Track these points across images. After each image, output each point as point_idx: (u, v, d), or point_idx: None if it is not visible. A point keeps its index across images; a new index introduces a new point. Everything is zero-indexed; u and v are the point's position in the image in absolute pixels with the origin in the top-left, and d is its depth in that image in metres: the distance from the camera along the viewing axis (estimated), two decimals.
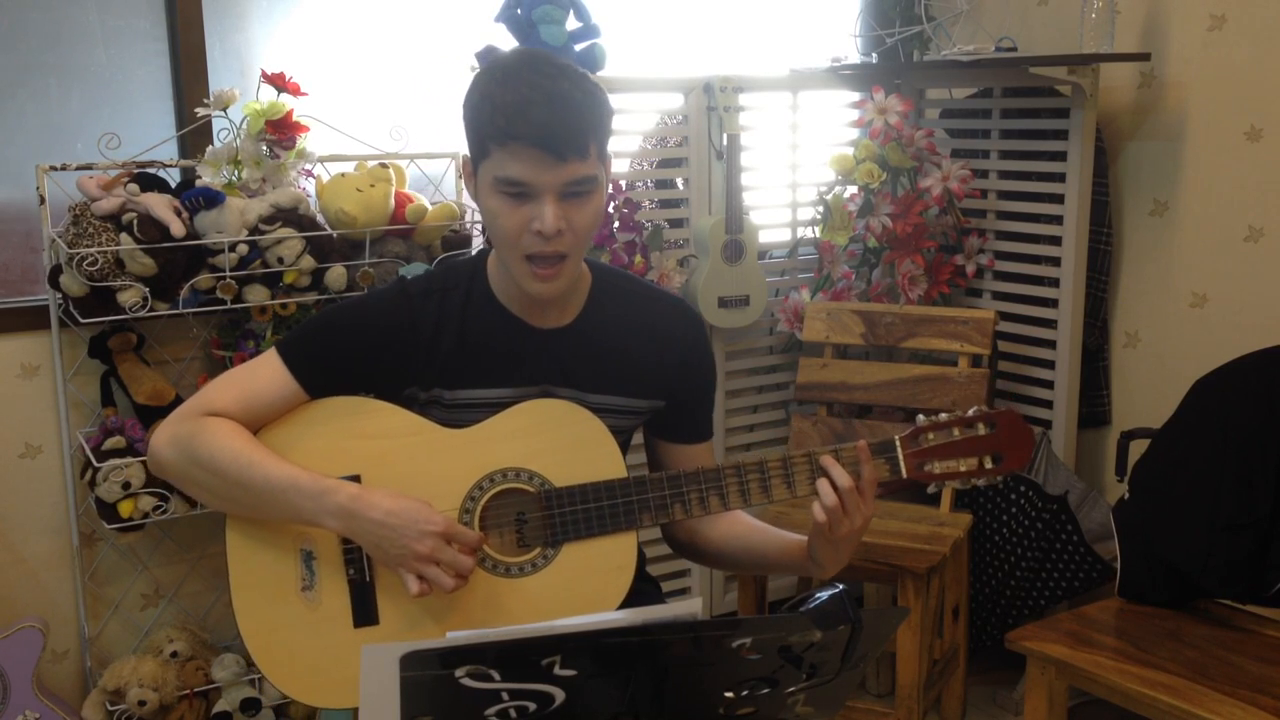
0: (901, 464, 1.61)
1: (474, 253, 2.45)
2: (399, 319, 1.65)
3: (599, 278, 1.73)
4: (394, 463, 1.61)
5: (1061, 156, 2.94)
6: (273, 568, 1.61)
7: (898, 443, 1.62)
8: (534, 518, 1.61)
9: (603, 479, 1.60)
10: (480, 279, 1.69)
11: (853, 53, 3.25)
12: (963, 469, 1.63)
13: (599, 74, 2.70)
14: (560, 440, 1.62)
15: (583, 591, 1.59)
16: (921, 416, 1.65)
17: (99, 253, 2.21)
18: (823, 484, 1.56)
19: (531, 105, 1.48)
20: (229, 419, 1.61)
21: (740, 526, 1.75)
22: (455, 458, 1.62)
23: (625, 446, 1.75)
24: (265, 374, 1.63)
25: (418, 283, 1.69)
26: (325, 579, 1.60)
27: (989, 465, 1.63)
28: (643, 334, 1.72)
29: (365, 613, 1.60)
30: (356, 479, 1.60)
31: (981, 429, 1.63)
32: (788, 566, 1.69)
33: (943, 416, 1.64)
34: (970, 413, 1.64)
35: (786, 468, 1.60)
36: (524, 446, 1.62)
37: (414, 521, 1.51)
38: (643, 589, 1.82)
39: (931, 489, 1.66)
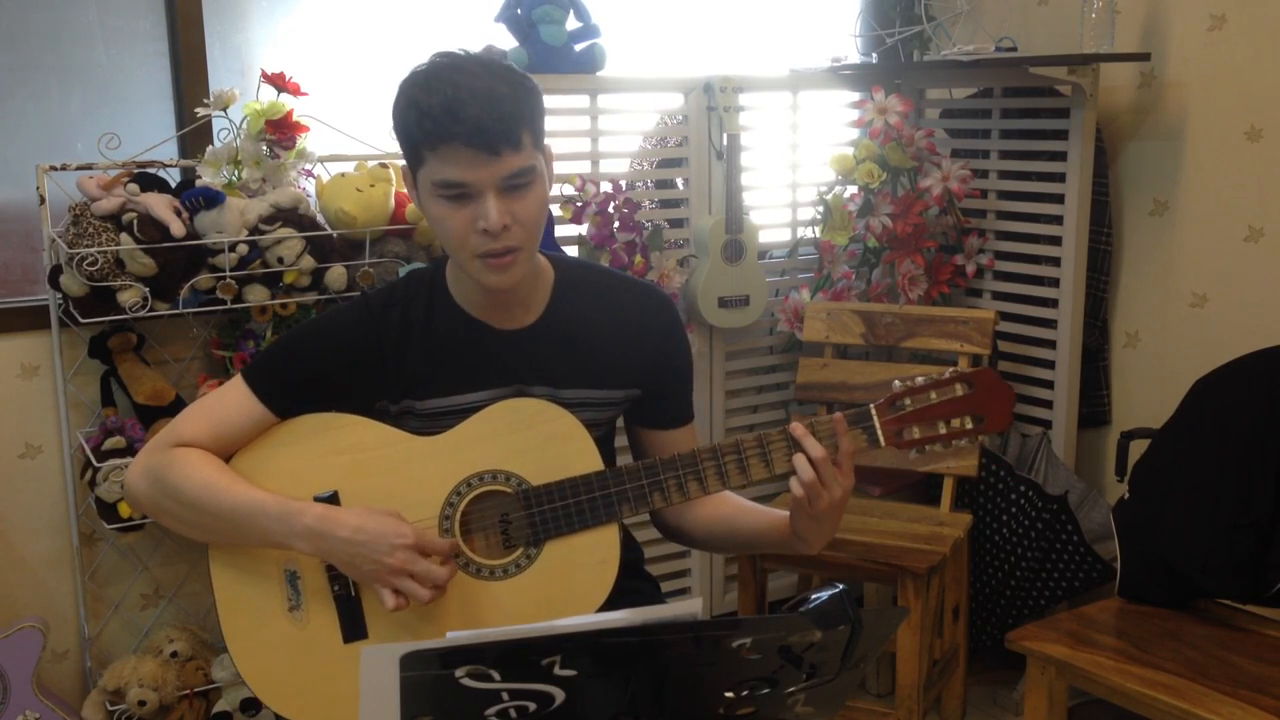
0: (879, 432, 1.58)
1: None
2: (362, 334, 1.64)
3: (562, 272, 1.71)
4: (370, 476, 1.61)
5: (1061, 156, 2.94)
6: (258, 590, 1.61)
7: (873, 411, 1.58)
8: (517, 518, 1.61)
9: (579, 474, 1.60)
10: (440, 286, 1.68)
11: (853, 53, 3.25)
12: (942, 432, 1.58)
13: (601, 73, 2.71)
14: (534, 439, 1.61)
15: (568, 588, 1.59)
16: (898, 381, 1.60)
17: (99, 253, 2.21)
18: (798, 458, 1.54)
19: (458, 104, 1.47)
20: (199, 448, 1.61)
21: (726, 508, 1.74)
22: (431, 465, 1.61)
23: (608, 438, 1.75)
24: (232, 400, 1.63)
25: (378, 296, 1.68)
26: (311, 598, 1.60)
27: (969, 426, 1.59)
28: (611, 324, 1.70)
29: (354, 628, 1.60)
30: (334, 496, 1.60)
31: (959, 389, 1.58)
32: (774, 544, 1.67)
33: (919, 380, 1.59)
34: (947, 374, 1.60)
35: (762, 445, 1.58)
36: (498, 448, 1.61)
37: (383, 536, 1.51)
38: (643, 589, 1.82)
39: (913, 455, 1.61)
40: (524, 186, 1.53)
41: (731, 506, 1.74)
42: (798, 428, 1.56)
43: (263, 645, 1.60)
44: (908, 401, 1.59)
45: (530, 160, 1.53)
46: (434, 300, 1.67)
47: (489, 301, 1.65)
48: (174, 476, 1.59)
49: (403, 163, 1.60)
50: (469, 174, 1.50)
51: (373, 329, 1.64)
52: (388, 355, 1.64)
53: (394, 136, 1.57)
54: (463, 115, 1.47)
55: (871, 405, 1.59)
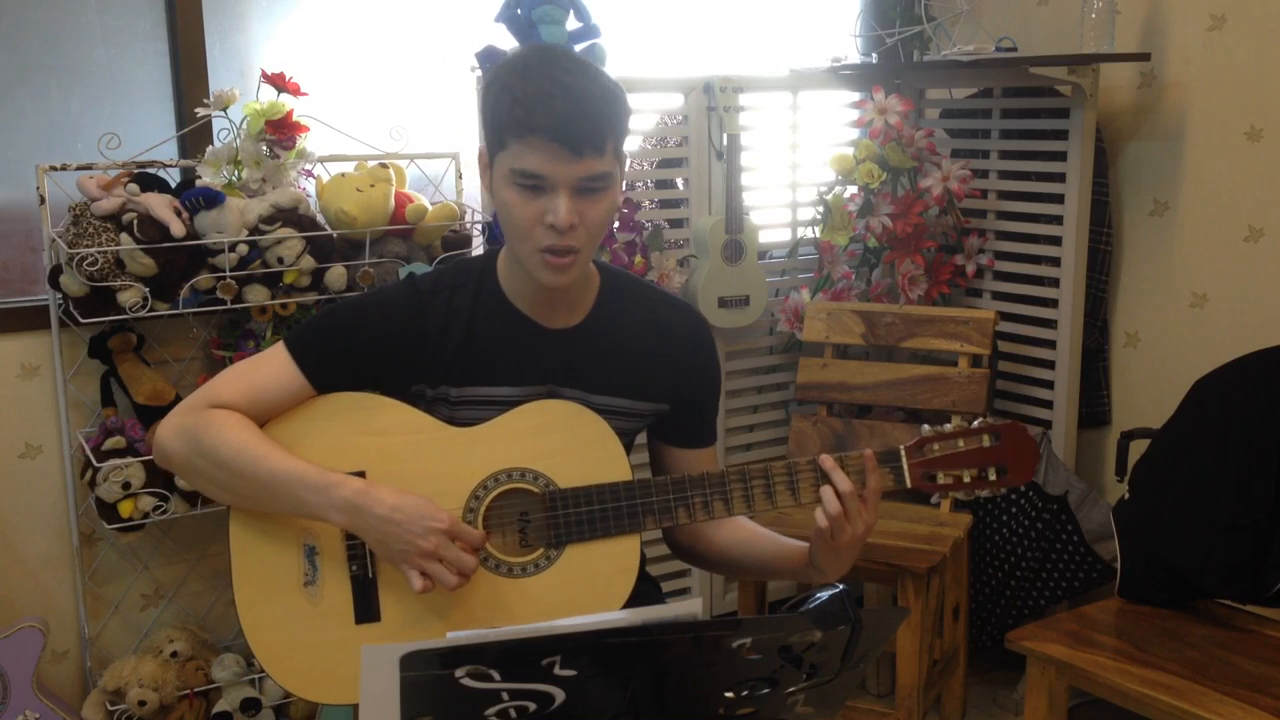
0: (906, 474, 1.62)
1: (478, 252, 2.45)
2: (407, 315, 1.65)
3: (607, 279, 1.73)
4: (399, 460, 1.61)
5: (1061, 156, 2.94)
6: (275, 562, 1.61)
7: (903, 452, 1.62)
8: (537, 518, 1.61)
9: (607, 481, 1.61)
10: (490, 278, 1.69)
11: (853, 53, 3.25)
12: (966, 480, 1.63)
13: None
14: (566, 441, 1.62)
15: (585, 593, 1.59)
16: (927, 426, 1.65)
17: (99, 253, 2.21)
18: (826, 490, 1.57)
19: (551, 99, 1.49)
20: (235, 412, 1.61)
21: (742, 532, 1.75)
22: (460, 456, 1.62)
23: (628, 449, 1.75)
24: (272, 368, 1.63)
25: (427, 280, 1.69)
26: (328, 574, 1.60)
27: (993, 477, 1.64)
28: (650, 337, 1.72)
29: (367, 609, 1.60)
30: (362, 475, 1.60)
31: (986, 441, 1.63)
32: (789, 572, 1.70)
33: (948, 427, 1.64)
34: (975, 424, 1.65)
35: (791, 474, 1.61)
36: (529, 447, 1.62)
37: (419, 518, 1.51)
38: (643, 589, 1.81)
39: (935, 499, 1.67)
40: (598, 191, 1.55)
41: (747, 531, 1.76)
42: (827, 460, 1.59)
43: (274, 618, 1.60)
44: (936, 446, 1.63)
45: (609, 167, 1.55)
46: (482, 290, 1.68)
47: (538, 298, 1.66)
48: (210, 437, 1.58)
49: (480, 145, 1.60)
50: (548, 168, 1.51)
51: (419, 311, 1.65)
52: (431, 338, 1.65)
53: (479, 116, 1.59)
54: (554, 109, 1.48)
55: (901, 446, 1.63)
